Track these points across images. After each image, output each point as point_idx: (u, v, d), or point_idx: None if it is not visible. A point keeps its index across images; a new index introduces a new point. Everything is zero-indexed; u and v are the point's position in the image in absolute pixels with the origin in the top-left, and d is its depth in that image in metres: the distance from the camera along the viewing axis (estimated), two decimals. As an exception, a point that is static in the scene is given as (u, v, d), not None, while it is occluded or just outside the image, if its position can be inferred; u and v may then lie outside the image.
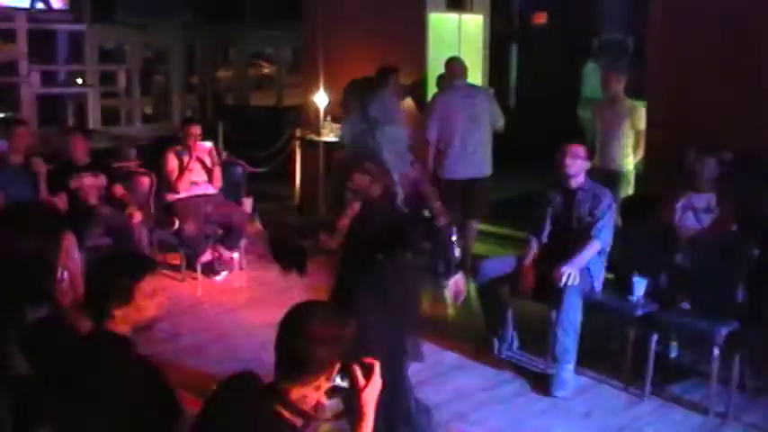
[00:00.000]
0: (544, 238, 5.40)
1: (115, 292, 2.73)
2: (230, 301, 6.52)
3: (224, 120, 10.25)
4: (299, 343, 2.29)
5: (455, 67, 7.12)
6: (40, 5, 9.68)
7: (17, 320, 3.01)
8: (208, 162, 7.16)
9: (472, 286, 5.46)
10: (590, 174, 5.35)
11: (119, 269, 2.80)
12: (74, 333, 3.03)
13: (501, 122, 7.15)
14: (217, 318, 6.15)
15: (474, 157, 6.95)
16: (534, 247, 5.39)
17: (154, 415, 2.70)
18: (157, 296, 2.83)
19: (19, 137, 6.44)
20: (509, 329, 5.52)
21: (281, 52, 16.62)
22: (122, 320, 2.76)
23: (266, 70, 21.28)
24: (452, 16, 8.27)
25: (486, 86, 7.63)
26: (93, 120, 10.25)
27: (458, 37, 8.28)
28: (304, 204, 9.16)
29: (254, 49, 17.74)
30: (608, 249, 5.24)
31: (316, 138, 8.42)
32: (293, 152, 9.15)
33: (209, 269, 7.02)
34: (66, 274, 3.71)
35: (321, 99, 8.23)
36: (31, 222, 3.29)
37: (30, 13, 9.52)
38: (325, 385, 2.34)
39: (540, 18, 12.40)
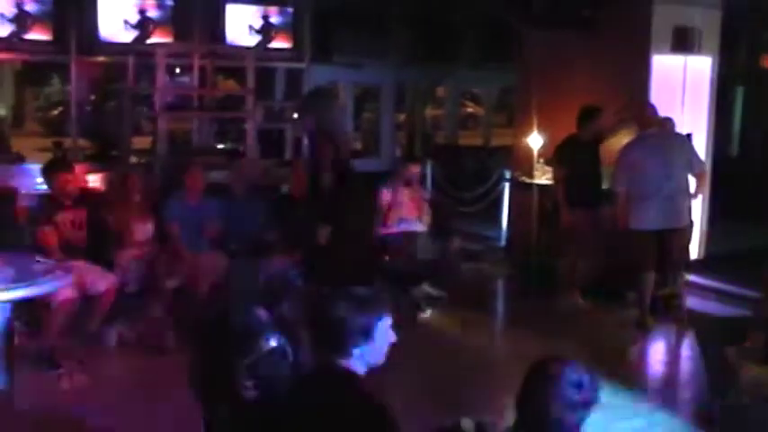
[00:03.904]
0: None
1: (358, 330, 2.72)
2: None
3: (433, 158, 10.33)
4: (547, 407, 2.23)
5: (645, 113, 6.89)
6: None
7: (249, 350, 3.06)
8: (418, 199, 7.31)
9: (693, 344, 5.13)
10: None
11: (363, 307, 2.77)
12: (303, 366, 3.02)
13: (701, 167, 6.88)
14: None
15: (669, 207, 6.67)
16: (768, 308, 4.96)
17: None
18: (391, 336, 2.81)
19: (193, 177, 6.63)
20: (736, 395, 5.10)
21: (488, 92, 16.64)
22: (359, 359, 2.75)
23: (470, 109, 21.41)
24: (678, 57, 7.91)
25: (681, 131, 7.29)
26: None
27: (682, 79, 7.93)
28: (512, 246, 9.07)
29: (461, 89, 17.93)
30: None
31: (528, 180, 8.31)
32: (501, 193, 9.09)
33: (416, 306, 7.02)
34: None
35: (535, 141, 8.11)
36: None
37: (256, 51, 10.05)
38: None
39: (770, 61, 11.68)
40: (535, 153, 8.17)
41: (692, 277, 7.26)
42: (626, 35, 7.80)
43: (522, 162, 8.56)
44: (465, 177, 9.93)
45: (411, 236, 7.16)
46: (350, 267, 5.62)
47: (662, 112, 7.03)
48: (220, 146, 11.33)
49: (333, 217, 5.71)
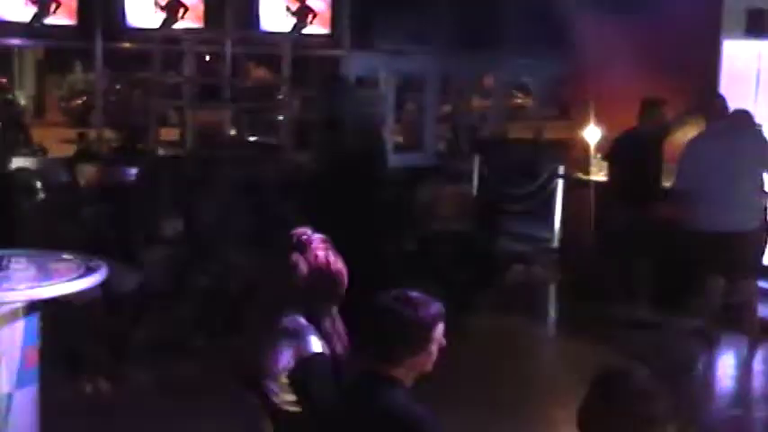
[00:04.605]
0: None
1: (414, 338, 2.63)
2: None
3: (479, 153, 10.08)
4: (612, 422, 2.19)
5: (714, 105, 6.67)
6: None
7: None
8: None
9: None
10: None
11: (421, 313, 2.65)
12: (346, 371, 3.01)
13: None
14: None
15: (738, 207, 6.35)
16: None
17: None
18: (442, 342, 2.72)
19: None
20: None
21: (538, 82, 16.18)
22: (409, 367, 2.68)
23: (519, 101, 20.92)
24: (751, 43, 7.51)
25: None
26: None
27: (756, 67, 7.50)
28: (565, 248, 8.81)
29: (510, 78, 17.55)
30: None
31: (584, 176, 8.08)
32: (554, 190, 8.92)
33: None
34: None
35: (592, 135, 7.77)
36: None
37: (293, 37, 9.70)
38: None
39: None
40: (592, 147, 7.93)
41: (764, 284, 6.83)
42: (693, 18, 7.35)
43: (578, 157, 8.33)
44: (514, 173, 9.65)
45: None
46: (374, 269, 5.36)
47: (733, 104, 6.68)
48: (252, 138, 11.07)
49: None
